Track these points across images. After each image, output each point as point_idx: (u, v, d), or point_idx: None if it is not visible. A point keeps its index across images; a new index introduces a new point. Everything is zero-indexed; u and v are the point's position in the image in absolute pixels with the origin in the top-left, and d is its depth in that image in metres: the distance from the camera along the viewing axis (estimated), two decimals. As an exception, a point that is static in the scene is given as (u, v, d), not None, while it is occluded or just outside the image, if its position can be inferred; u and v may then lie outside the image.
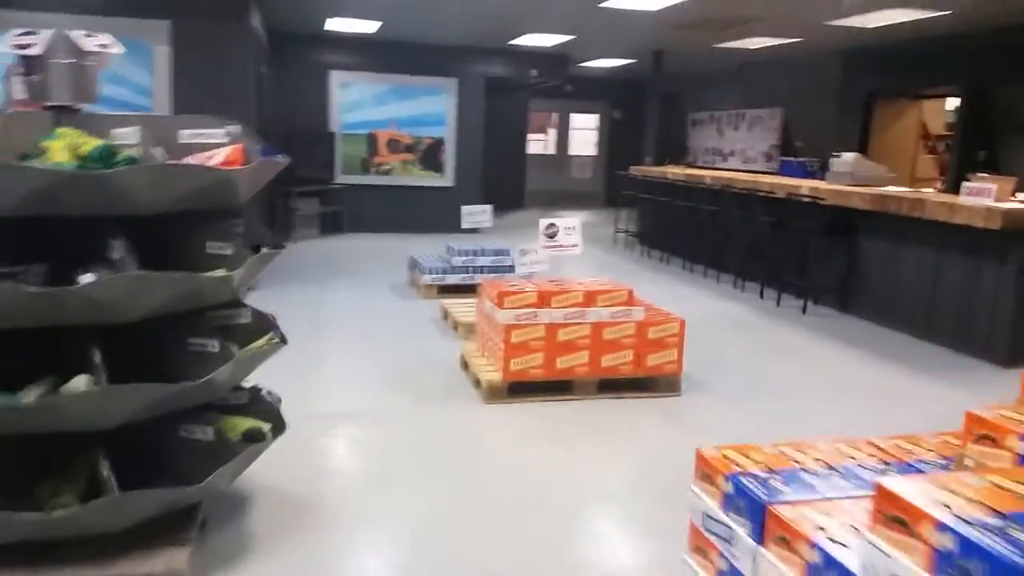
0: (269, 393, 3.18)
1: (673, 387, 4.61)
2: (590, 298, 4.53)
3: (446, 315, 6.31)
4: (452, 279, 7.26)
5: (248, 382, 2.97)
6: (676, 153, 14.71)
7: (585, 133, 17.43)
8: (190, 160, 2.58)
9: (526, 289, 4.52)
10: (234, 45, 6.97)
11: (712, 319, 6.79)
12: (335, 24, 9.85)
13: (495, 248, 7.42)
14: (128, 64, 6.75)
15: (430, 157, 11.75)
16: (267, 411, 2.93)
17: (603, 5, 8.04)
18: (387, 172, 11.64)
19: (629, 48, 11.45)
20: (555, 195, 16.69)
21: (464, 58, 11.68)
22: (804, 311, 7.10)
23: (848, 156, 7.84)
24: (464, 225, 7.46)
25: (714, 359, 5.43)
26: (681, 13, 8.48)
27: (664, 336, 4.57)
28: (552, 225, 5.01)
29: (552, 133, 17.73)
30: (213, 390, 2.50)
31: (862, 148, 10.69)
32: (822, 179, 10.82)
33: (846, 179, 7.60)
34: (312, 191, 10.88)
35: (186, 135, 2.69)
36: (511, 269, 7.25)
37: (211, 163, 2.54)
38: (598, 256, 10.05)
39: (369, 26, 9.91)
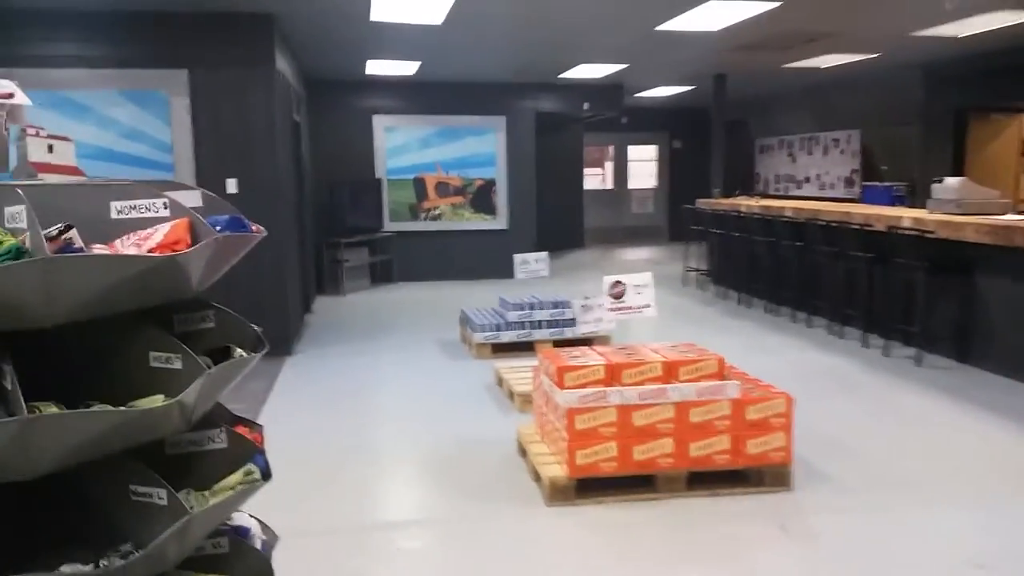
0: (264, 528, 2.44)
1: (782, 480, 3.71)
2: (671, 370, 3.69)
3: (500, 381, 5.53)
4: (507, 336, 6.49)
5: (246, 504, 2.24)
6: (743, 181, 13.76)
7: (644, 165, 16.61)
8: (121, 243, 1.88)
9: (591, 362, 3.71)
10: (258, 93, 6.43)
11: (811, 375, 5.85)
12: (375, 67, 9.31)
13: (553, 300, 6.63)
14: (147, 118, 6.24)
15: (481, 199, 11.09)
16: (254, 566, 2.18)
17: (659, 28, 7.29)
18: (437, 217, 11.01)
19: (688, 73, 10.66)
20: (615, 232, 15.87)
21: (512, 95, 11.05)
22: (918, 363, 6.09)
23: (952, 181, 6.84)
24: (518, 276, 6.71)
25: (825, 433, 4.50)
26: (743, 33, 7.66)
27: (767, 416, 3.69)
28: (618, 284, 4.21)
29: (609, 167, 16.96)
30: (158, 563, 1.77)
31: (956, 170, 9.62)
32: (912, 205, 9.81)
33: (950, 207, 6.60)
34: (360, 241, 10.31)
35: (117, 208, 1.99)
36: (572, 323, 6.45)
37: (146, 245, 1.83)
38: (668, 299, 9.16)
39: (408, 67, 9.34)
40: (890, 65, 10.03)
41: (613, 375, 3.67)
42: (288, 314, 6.67)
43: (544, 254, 6.71)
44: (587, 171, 15.59)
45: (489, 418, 4.97)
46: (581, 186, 14.94)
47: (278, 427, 4.81)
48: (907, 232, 6.25)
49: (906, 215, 6.54)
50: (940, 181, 7.06)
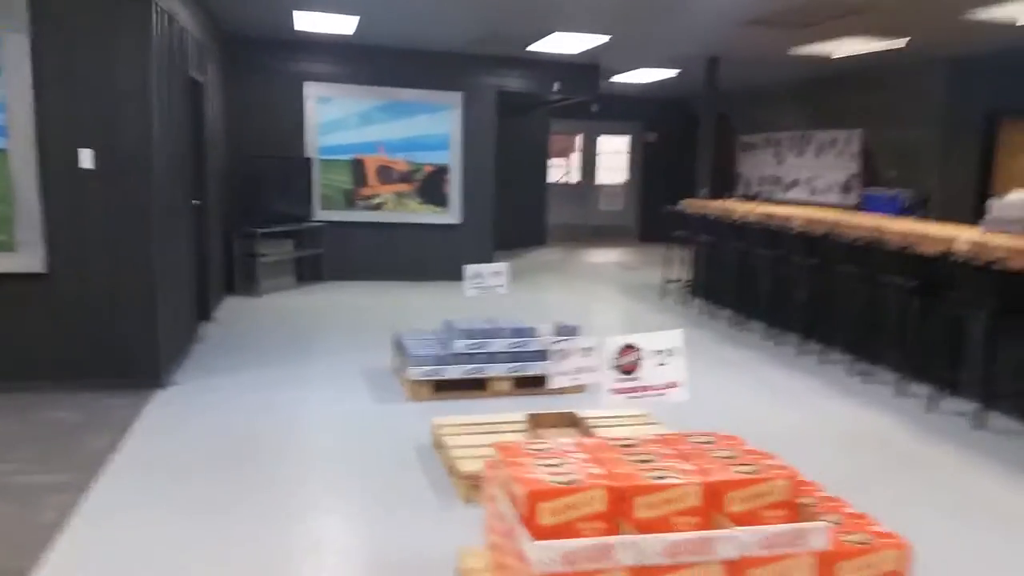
0: None
1: None
2: (714, 496, 2.22)
3: (439, 444, 4.00)
4: (452, 371, 4.96)
5: None
6: (723, 181, 12.43)
7: (614, 158, 15.18)
8: None
9: (581, 483, 2.21)
10: (128, 35, 4.75)
11: (849, 442, 4.44)
12: (305, 22, 7.65)
13: (514, 327, 5.11)
14: (-34, 60, 4.53)
15: (431, 188, 9.51)
16: None
17: (661, -15, 5.82)
18: (378, 207, 9.39)
19: (676, 54, 9.21)
20: (580, 230, 14.42)
21: (472, 68, 9.47)
22: (977, 424, 4.74)
23: (1017, 196, 5.52)
24: (468, 293, 5.18)
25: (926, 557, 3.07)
26: (762, 1, 6.24)
27: (877, 586, 2.24)
28: (630, 350, 2.71)
29: (575, 158, 15.48)
30: None
31: (982, 179, 8.37)
32: (925, 217, 8.53)
33: (1017, 227, 5.28)
34: (283, 231, 8.66)
35: None
36: (538, 357, 4.97)
37: None
38: (648, 317, 7.72)
39: (344, 24, 7.69)
40: (912, 58, 8.73)
41: (619, 505, 2.18)
42: (157, 331, 5.03)
43: (503, 266, 5.19)
44: (552, 162, 14.10)
45: (418, 515, 3.42)
46: (545, 178, 13.45)
47: (101, 528, 3.20)
48: (962, 258, 4.89)
49: (962, 237, 5.17)
50: (1000, 197, 5.74)
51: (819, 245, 6.33)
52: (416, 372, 4.90)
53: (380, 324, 6.98)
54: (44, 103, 4.69)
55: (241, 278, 8.40)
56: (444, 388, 4.98)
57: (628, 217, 14.68)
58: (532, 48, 8.76)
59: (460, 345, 4.95)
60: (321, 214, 9.20)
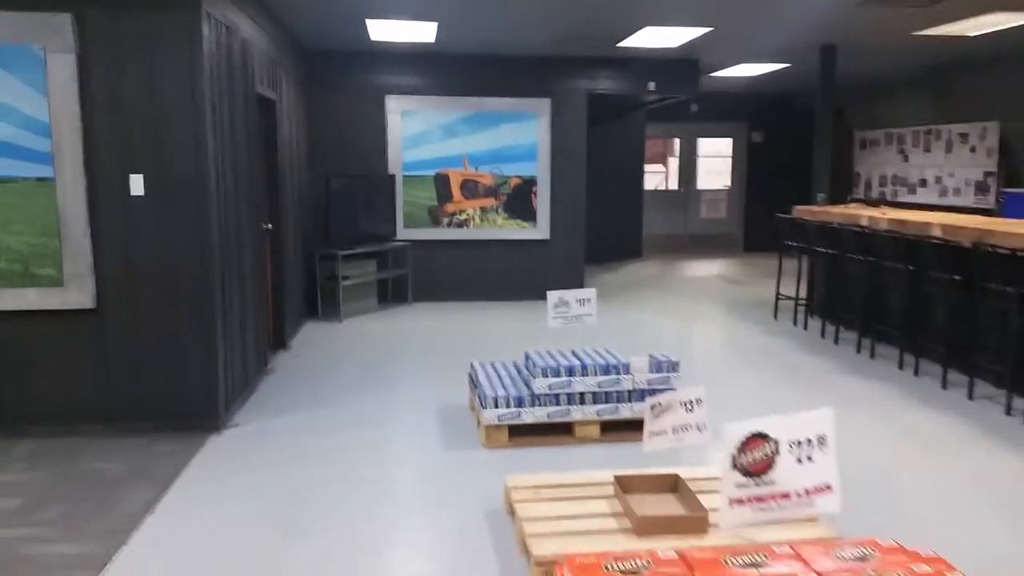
0: None
1: None
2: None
3: (512, 512, 3.39)
4: (532, 415, 4.35)
5: None
6: (841, 183, 11.36)
7: (715, 162, 14.25)
8: None
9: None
10: (175, 50, 4.39)
11: (1017, 506, 3.57)
12: (381, 31, 7.22)
13: (604, 363, 4.45)
14: (13, 85, 4.25)
15: (517, 201, 8.94)
16: None
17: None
18: (463, 223, 8.90)
19: (785, 43, 8.32)
20: (679, 240, 13.57)
21: (559, 71, 8.86)
22: None
23: None
24: (551, 324, 4.57)
25: None
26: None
27: None
28: (759, 441, 2.02)
29: (673, 164, 14.64)
30: None
31: None
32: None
33: None
34: (366, 252, 8.27)
35: None
36: (635, 398, 4.30)
37: None
38: (757, 340, 6.90)
39: (422, 32, 7.23)
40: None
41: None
42: (216, 369, 4.64)
43: (590, 293, 4.55)
44: (647, 168, 13.32)
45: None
46: (640, 185, 12.69)
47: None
48: None
49: None
50: None
51: (964, 258, 5.39)
52: (491, 415, 4.31)
53: (460, 351, 6.44)
54: (92, 127, 4.37)
55: (323, 302, 8.06)
56: (523, 433, 4.38)
57: (731, 225, 13.71)
58: (624, 44, 8.08)
59: (541, 384, 4.33)
60: (405, 233, 8.78)
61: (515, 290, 8.89)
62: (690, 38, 7.67)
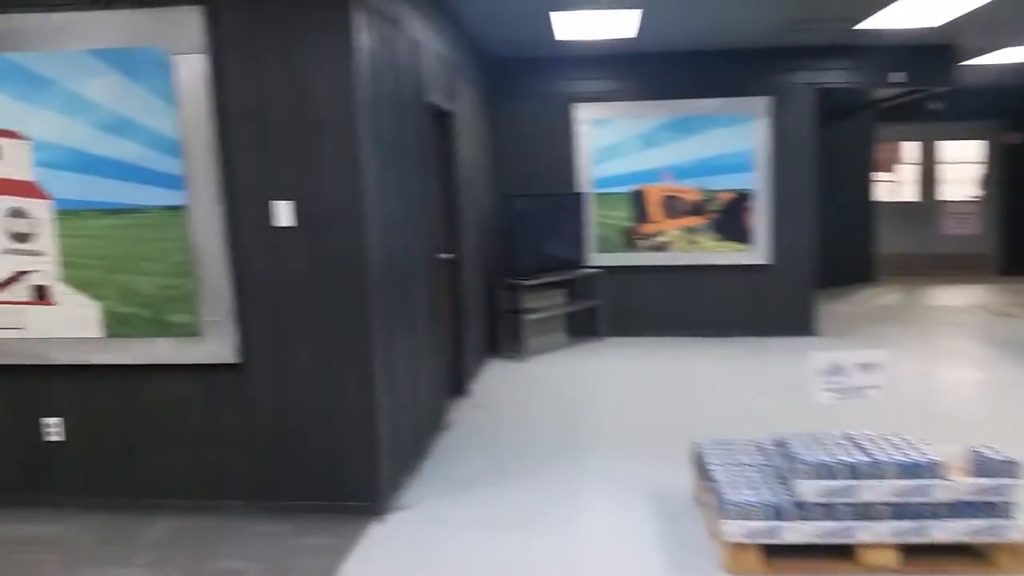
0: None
1: None
2: None
3: None
4: (796, 533, 3.04)
5: None
6: None
7: (961, 168, 12.02)
8: None
9: None
10: (327, 49, 3.52)
11: None
12: (568, 27, 6.16)
13: (904, 459, 3.04)
14: (136, 94, 3.55)
15: (729, 220, 7.57)
16: None
17: None
18: (662, 246, 7.64)
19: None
20: (918, 260, 11.49)
21: (781, 63, 7.42)
22: None
23: None
24: (820, 397, 3.24)
25: None
26: None
27: None
28: None
29: (909, 171, 12.53)
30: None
31: None
32: None
33: None
34: (553, 282, 7.24)
35: None
36: (952, 513, 2.89)
37: None
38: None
39: (621, 23, 6.07)
40: None
41: None
42: (376, 439, 3.71)
43: (881, 356, 3.17)
44: (877, 176, 11.40)
45: None
46: (870, 198, 10.83)
47: None
48: None
49: None
50: None
51: None
52: (737, 528, 3.05)
53: (670, 407, 5.21)
54: (228, 143, 3.59)
55: (505, 338, 7.09)
56: (783, 554, 3.08)
57: (985, 243, 11.43)
58: (863, 26, 6.52)
59: (809, 489, 3.01)
60: (596, 258, 7.66)
61: (727, 325, 7.50)
62: (961, 12, 6.00)
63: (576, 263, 7.52)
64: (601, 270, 7.56)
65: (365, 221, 3.61)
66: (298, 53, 3.52)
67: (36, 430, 3.88)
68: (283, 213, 3.60)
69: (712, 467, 3.41)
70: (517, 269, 7.02)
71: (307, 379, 3.71)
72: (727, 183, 7.53)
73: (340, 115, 3.53)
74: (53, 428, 3.87)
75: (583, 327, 7.64)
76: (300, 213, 3.60)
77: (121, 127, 3.57)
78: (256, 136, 3.58)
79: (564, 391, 5.91)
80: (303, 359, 3.70)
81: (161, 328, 3.68)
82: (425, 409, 4.62)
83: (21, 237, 3.68)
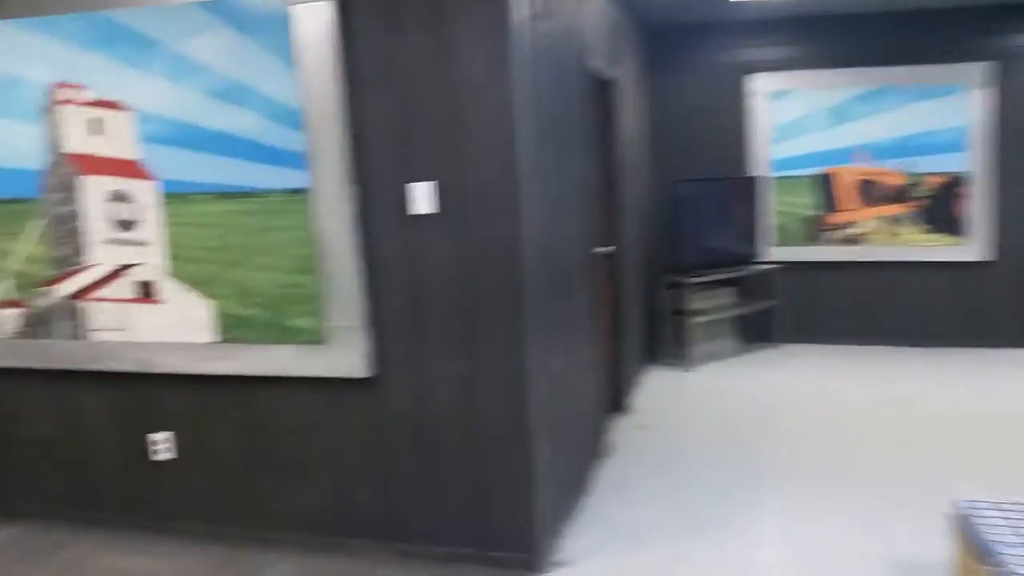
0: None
1: None
2: None
3: None
4: None
5: None
6: None
7: None
8: None
9: None
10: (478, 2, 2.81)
11: None
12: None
13: None
14: (261, 52, 2.95)
15: (939, 209, 6.34)
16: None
17: None
18: (855, 239, 6.50)
19: None
20: None
21: (1004, 21, 6.11)
22: None
23: None
24: None
25: None
26: None
27: None
28: None
29: None
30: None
31: None
32: None
33: None
34: (722, 279, 6.29)
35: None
36: None
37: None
38: None
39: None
40: None
41: None
42: (531, 469, 2.97)
43: None
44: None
45: None
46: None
47: None
48: None
49: None
50: None
51: None
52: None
53: (882, 440, 4.19)
54: (359, 114, 2.93)
55: (667, 343, 6.22)
56: None
57: None
58: None
59: None
60: (773, 253, 6.62)
61: (935, 333, 6.30)
62: None
63: (749, 258, 6.51)
64: (779, 266, 6.52)
65: (521, 208, 2.86)
66: (443, 6, 2.81)
67: (142, 446, 3.39)
68: (423, 198, 2.91)
69: (995, 541, 2.44)
70: (681, 264, 6.12)
71: (449, 397, 3.02)
72: (936, 165, 6.30)
73: (494, 79, 2.80)
74: (161, 445, 3.37)
75: (756, 332, 6.64)
76: (443, 198, 2.90)
77: (235, 94, 2.99)
78: (391, 105, 2.91)
79: (740, 409, 4.98)
80: (444, 373, 3.01)
81: (282, 334, 3.09)
82: (584, 431, 3.85)
83: (124, 225, 3.18)
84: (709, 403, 5.16)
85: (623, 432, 4.59)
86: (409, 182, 2.92)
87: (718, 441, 4.42)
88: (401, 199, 2.94)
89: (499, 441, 2.99)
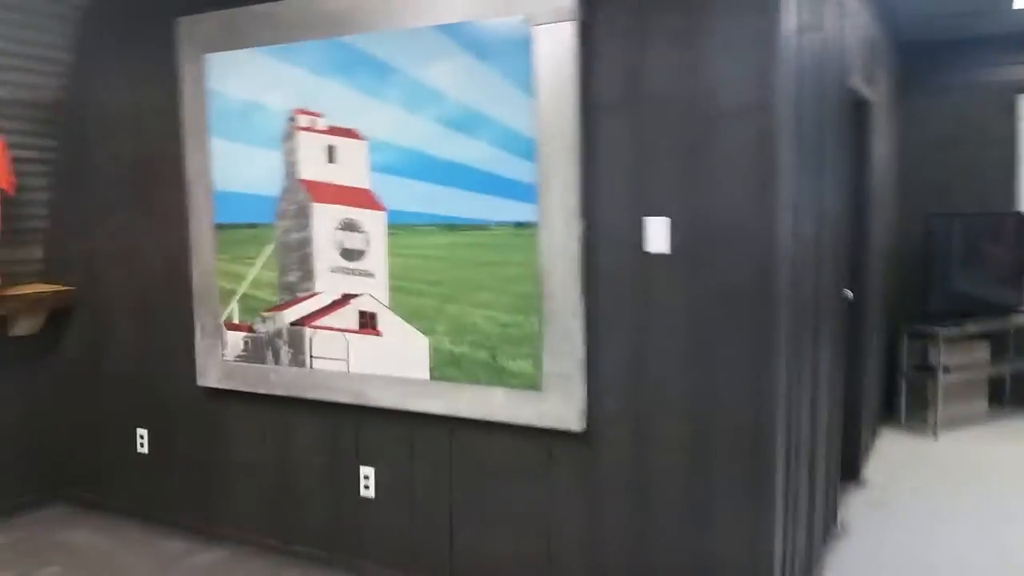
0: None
1: None
2: None
3: None
4: None
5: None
6: None
7: None
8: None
9: None
10: (735, 13, 2.47)
11: None
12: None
13: None
14: (488, 79, 2.80)
15: None
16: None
17: None
18: None
19: None
20: None
21: None
22: None
23: None
24: None
25: None
26: None
27: None
28: None
29: None
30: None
31: None
32: None
33: None
34: (976, 332, 5.45)
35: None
36: None
37: None
38: None
39: None
40: None
41: None
42: (765, 565, 2.56)
43: None
44: None
45: None
46: None
47: None
48: None
49: None
50: None
51: None
52: None
53: None
54: (593, 142, 2.68)
55: (906, 402, 5.48)
56: None
57: None
58: None
59: None
60: (1042, 302, 5.68)
61: None
62: None
63: (1011, 307, 5.61)
64: (1047, 318, 5.58)
65: (776, 250, 2.48)
66: (697, 21, 2.50)
67: (354, 480, 3.32)
68: (658, 234, 2.61)
69: None
70: (929, 311, 5.37)
71: (674, 465, 2.68)
72: None
73: (754, 100, 2.44)
74: (367, 480, 3.28)
75: (1013, 393, 5.70)
76: (680, 234, 2.58)
77: (467, 123, 2.85)
78: (628, 132, 2.64)
79: (1000, 490, 4.21)
80: (670, 437, 2.67)
81: (495, 375, 2.90)
82: (818, 507, 3.35)
83: (353, 254, 3.13)
84: (960, 479, 4.42)
85: (856, 509, 4.00)
86: (643, 216, 2.63)
87: (972, 530, 3.73)
88: (632, 235, 2.65)
89: (730, 513, 2.60)
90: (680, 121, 2.55)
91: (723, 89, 2.48)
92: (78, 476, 4.08)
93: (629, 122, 2.63)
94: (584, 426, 2.77)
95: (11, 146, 3.61)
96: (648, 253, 2.63)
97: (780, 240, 2.49)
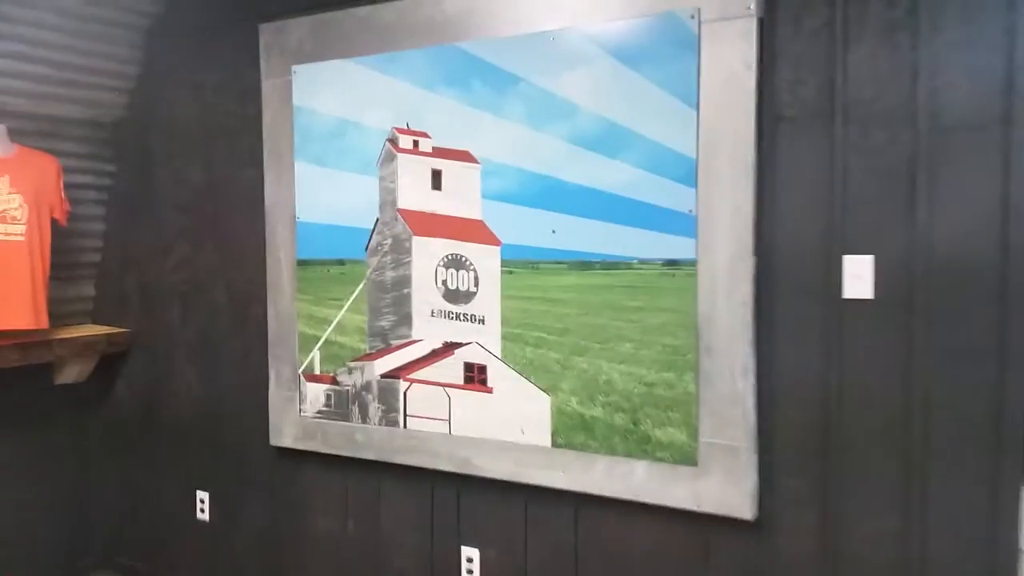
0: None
1: None
2: None
3: None
4: None
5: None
6: None
7: None
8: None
9: None
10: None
11: None
12: None
13: None
14: (645, 93, 2.33)
15: None
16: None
17: None
18: None
19: None
20: None
21: None
22: None
23: None
24: None
25: None
26: None
27: None
28: None
29: None
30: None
31: None
32: None
33: None
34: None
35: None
36: None
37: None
38: None
39: None
40: None
41: None
42: None
43: None
44: None
45: None
46: None
47: None
48: None
49: None
50: None
51: None
52: None
53: None
54: (770, 161, 2.20)
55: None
56: None
57: None
58: None
59: None
60: None
61: None
62: None
63: None
64: None
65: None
66: (919, 15, 2.02)
67: (454, 563, 2.81)
68: (858, 276, 2.10)
69: None
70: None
71: (874, 557, 2.13)
72: None
73: (991, 116, 1.95)
74: (474, 564, 2.77)
75: None
76: (884, 276, 2.08)
77: (606, 140, 2.38)
78: (818, 149, 2.15)
79: None
80: (869, 524, 2.14)
81: (636, 445, 2.38)
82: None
83: (459, 296, 2.66)
84: None
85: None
86: (840, 253, 2.12)
87: None
88: (823, 276, 2.15)
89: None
90: (892, 136, 2.06)
91: (952, 97, 1.99)
92: (132, 542, 3.62)
93: (821, 137, 2.14)
94: (756, 513, 2.24)
95: (67, 170, 3.23)
96: (845, 300, 2.12)
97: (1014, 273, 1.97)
